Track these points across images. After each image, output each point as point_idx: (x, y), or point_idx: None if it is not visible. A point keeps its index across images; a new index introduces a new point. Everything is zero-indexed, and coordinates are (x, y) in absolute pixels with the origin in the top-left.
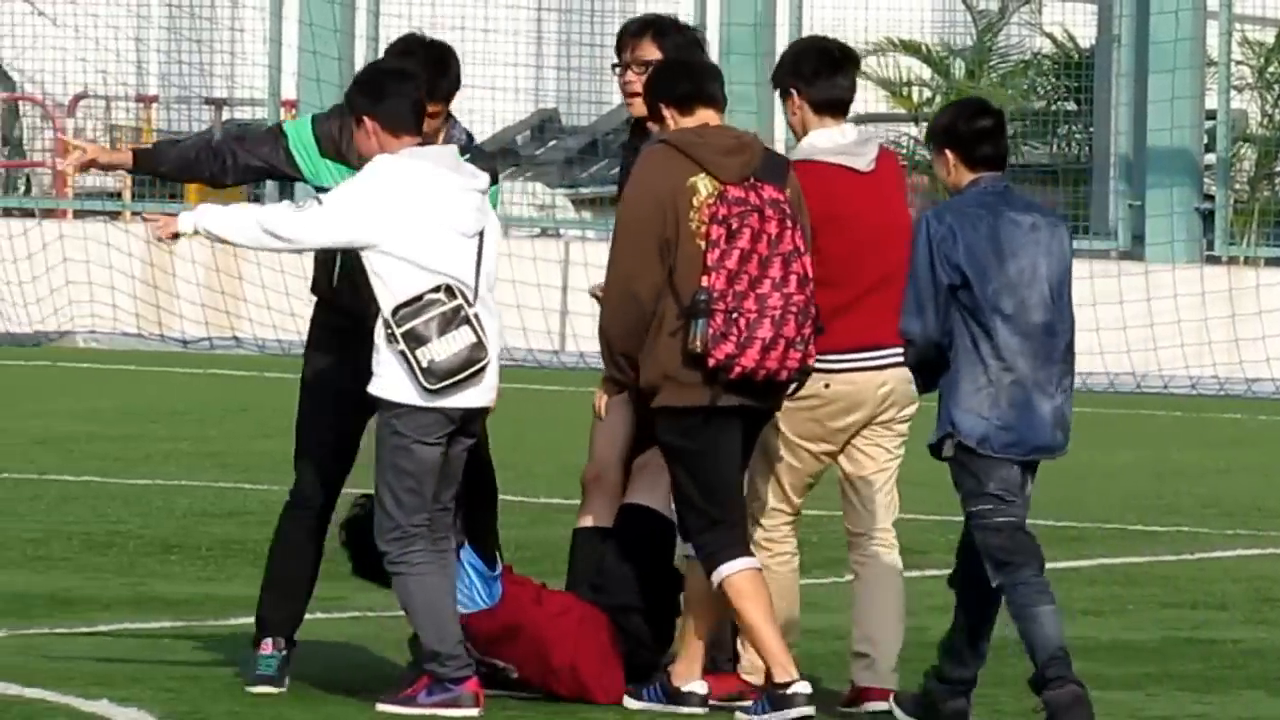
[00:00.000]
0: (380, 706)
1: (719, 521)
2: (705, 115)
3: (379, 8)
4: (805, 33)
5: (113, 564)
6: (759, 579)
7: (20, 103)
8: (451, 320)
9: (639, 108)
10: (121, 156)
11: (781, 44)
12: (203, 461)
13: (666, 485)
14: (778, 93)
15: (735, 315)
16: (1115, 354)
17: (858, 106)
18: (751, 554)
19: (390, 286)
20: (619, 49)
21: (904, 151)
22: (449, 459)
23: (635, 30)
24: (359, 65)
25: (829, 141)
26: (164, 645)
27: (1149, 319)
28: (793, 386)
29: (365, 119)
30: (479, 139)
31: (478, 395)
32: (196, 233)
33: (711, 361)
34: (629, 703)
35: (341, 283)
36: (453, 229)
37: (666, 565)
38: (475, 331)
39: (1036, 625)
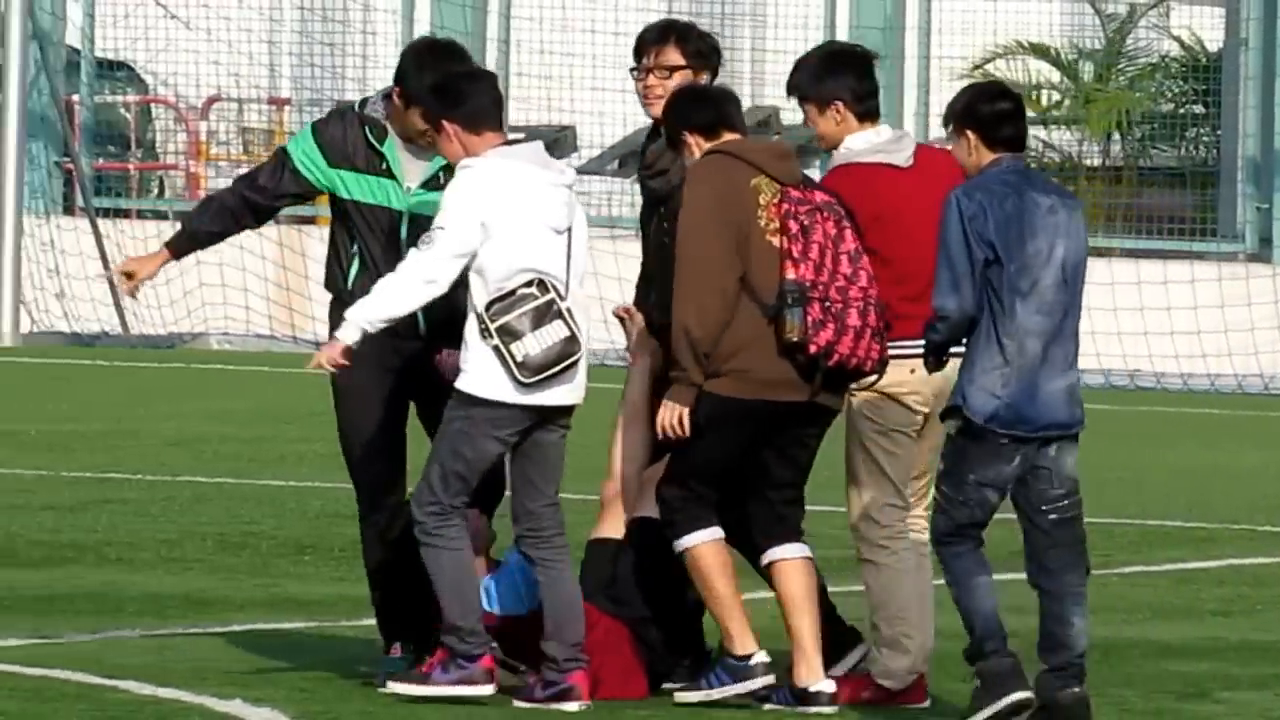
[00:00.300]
0: (392, 685)
1: (698, 497)
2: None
3: (510, 11)
4: (934, 36)
5: (246, 565)
6: (723, 549)
7: (153, 105)
8: (545, 315)
9: (660, 110)
10: (160, 256)
11: (910, 47)
12: (335, 462)
13: None
14: (806, 104)
15: (827, 304)
16: (1243, 356)
17: None
18: (718, 527)
19: (487, 281)
20: (638, 55)
21: (1032, 154)
22: (548, 448)
23: (655, 38)
24: (490, 69)
25: (865, 143)
26: (297, 646)
27: (1277, 321)
28: (872, 378)
29: (445, 123)
30: (609, 141)
31: (568, 393)
32: (366, 333)
33: (813, 348)
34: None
35: (357, 281)
36: (544, 224)
37: (679, 575)
38: (569, 326)
39: (972, 596)
